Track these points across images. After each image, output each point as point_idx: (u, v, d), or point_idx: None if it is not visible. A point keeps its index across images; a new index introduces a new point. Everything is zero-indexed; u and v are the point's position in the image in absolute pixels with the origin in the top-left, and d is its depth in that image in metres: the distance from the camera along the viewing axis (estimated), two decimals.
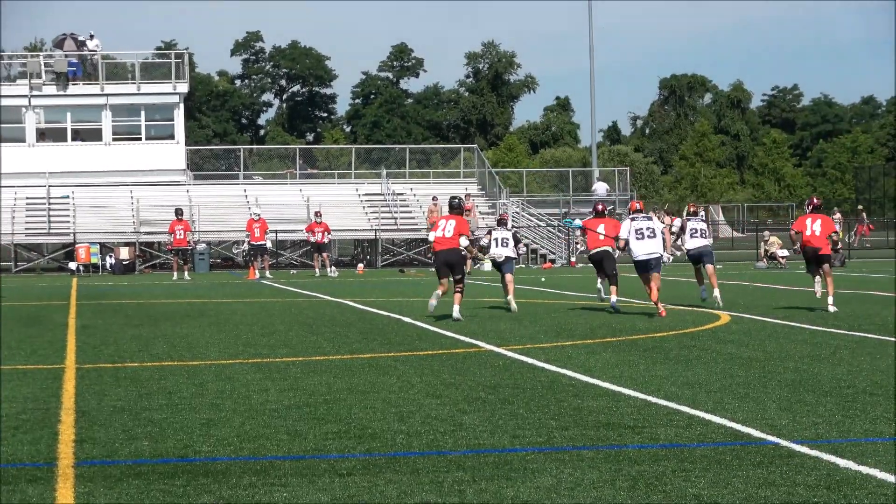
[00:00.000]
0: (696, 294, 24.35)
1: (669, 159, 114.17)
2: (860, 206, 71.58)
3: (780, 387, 11.97)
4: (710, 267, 23.79)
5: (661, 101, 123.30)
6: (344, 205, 51.10)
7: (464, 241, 20.16)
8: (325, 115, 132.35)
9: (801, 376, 12.73)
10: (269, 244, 41.19)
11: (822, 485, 7.77)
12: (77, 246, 46.14)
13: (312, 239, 42.36)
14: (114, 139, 51.88)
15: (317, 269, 41.52)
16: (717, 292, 23.14)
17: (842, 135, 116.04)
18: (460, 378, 12.87)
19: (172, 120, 52.78)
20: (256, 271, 39.56)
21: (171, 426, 10.05)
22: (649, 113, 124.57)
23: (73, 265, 45.50)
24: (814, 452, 8.72)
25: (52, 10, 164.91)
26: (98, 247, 46.14)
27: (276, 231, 44.96)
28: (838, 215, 56.77)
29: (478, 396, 11.55)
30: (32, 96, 51.45)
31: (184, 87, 52.91)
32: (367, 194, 52.85)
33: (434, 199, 49.50)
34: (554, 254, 49.20)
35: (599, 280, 24.04)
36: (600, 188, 57.02)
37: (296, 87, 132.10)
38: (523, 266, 44.32)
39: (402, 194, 52.50)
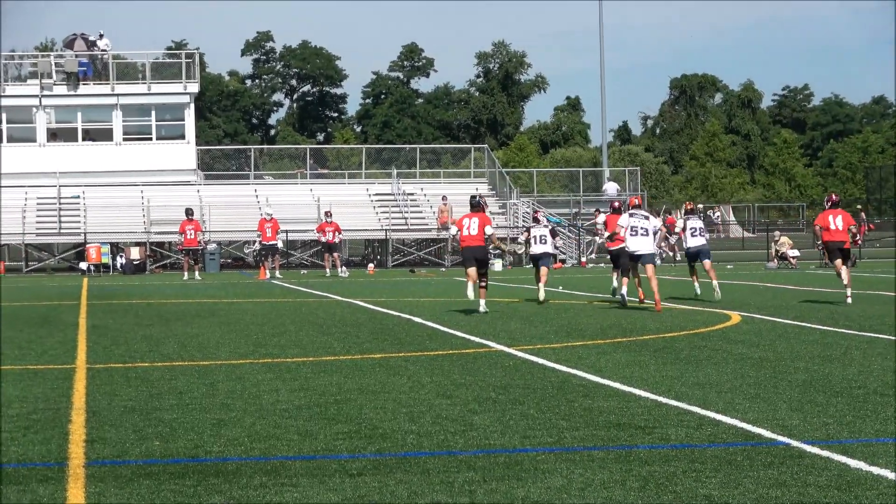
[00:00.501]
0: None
1: (680, 159, 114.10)
2: (859, 206, 71.50)
3: (790, 387, 11.95)
4: (707, 262, 25.16)
5: (672, 101, 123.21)
6: (354, 205, 51.10)
7: (489, 230, 21.95)
8: (336, 114, 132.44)
9: (812, 377, 12.71)
10: (280, 244, 41.24)
11: (833, 485, 7.75)
12: (88, 246, 46.20)
13: (323, 239, 42.37)
14: (124, 139, 51.94)
15: (327, 269, 41.53)
16: (715, 283, 24.61)
17: (852, 135, 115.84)
18: (471, 378, 12.87)
19: (183, 120, 52.81)
20: (267, 271, 39.59)
21: (181, 426, 10.05)
22: (660, 113, 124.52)
23: (83, 265, 45.56)
24: (824, 453, 8.69)
25: (63, 10, 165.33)
26: (109, 247, 46.22)
27: (286, 231, 44.97)
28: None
29: (488, 396, 11.54)
30: (43, 96, 51.54)
31: (194, 87, 52.93)
32: (377, 194, 52.85)
33: (444, 198, 49.52)
34: (564, 254, 49.15)
35: (615, 276, 25.16)
36: (611, 188, 56.95)
37: (306, 87, 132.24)
38: None
39: (412, 194, 52.47)
